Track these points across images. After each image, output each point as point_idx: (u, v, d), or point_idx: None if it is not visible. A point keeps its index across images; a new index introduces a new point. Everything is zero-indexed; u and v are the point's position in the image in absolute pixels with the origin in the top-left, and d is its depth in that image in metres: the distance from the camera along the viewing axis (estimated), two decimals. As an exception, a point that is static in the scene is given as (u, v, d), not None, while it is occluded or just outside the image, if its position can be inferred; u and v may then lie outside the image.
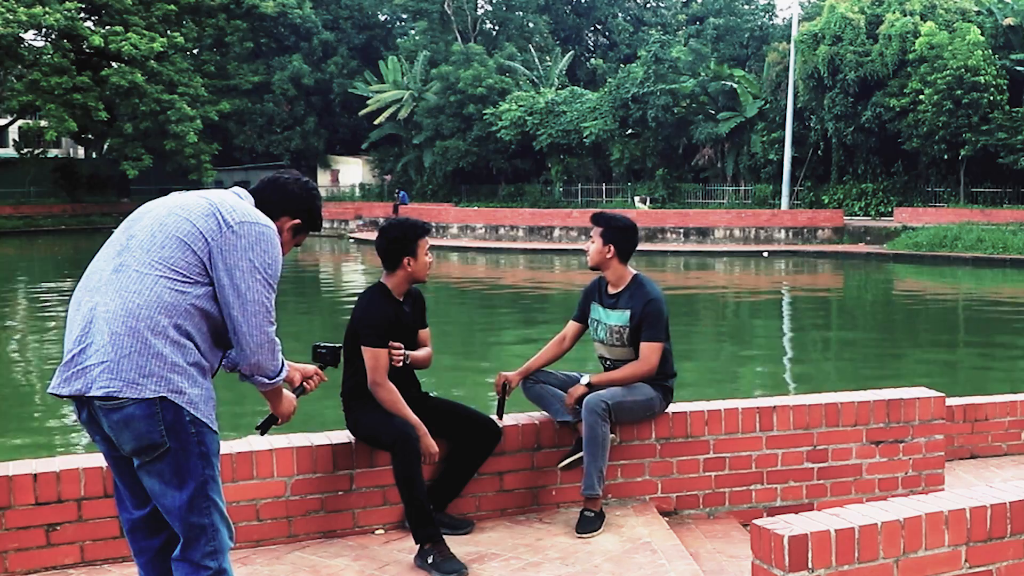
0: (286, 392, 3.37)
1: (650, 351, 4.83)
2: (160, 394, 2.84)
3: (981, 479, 6.06)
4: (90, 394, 2.85)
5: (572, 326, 5.13)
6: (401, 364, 4.53)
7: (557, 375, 5.03)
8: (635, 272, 5.00)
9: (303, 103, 61.72)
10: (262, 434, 3.52)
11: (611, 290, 4.99)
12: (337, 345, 3.89)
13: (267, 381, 3.15)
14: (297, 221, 3.24)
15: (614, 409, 4.68)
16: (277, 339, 3.10)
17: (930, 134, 38.74)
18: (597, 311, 5.02)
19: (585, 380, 4.77)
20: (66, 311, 3.10)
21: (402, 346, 4.55)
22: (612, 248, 4.91)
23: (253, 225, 3.04)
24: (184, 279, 2.93)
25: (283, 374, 3.19)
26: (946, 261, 31.65)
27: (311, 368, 3.66)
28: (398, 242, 4.52)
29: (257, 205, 3.17)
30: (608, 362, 5.00)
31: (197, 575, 2.92)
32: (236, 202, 3.10)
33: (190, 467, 2.88)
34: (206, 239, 2.96)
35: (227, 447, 4.41)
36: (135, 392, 2.83)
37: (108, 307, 2.89)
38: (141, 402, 2.82)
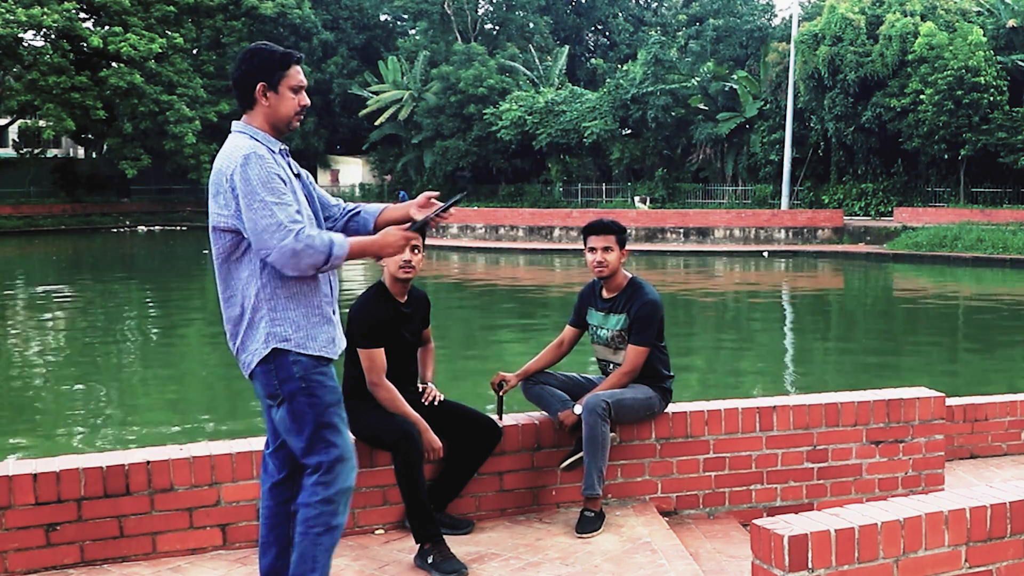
0: (380, 237, 3.46)
1: (635, 354, 4.83)
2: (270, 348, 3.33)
3: (981, 479, 6.05)
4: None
5: (569, 331, 5.12)
6: (436, 402, 4.66)
7: (557, 375, 5.03)
8: (631, 275, 5.00)
9: (303, 103, 61.57)
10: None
11: (606, 294, 4.98)
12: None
13: (333, 261, 3.31)
14: (281, 73, 3.51)
15: (614, 408, 4.68)
16: (299, 240, 3.23)
17: (930, 134, 38.76)
18: (594, 316, 5.01)
19: (578, 410, 4.75)
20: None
21: (435, 393, 4.69)
22: (626, 252, 4.97)
23: (221, 174, 3.43)
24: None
25: (336, 252, 3.30)
26: (946, 261, 31.66)
27: (422, 198, 3.65)
28: None
29: (245, 103, 3.62)
30: (610, 364, 4.99)
31: (310, 499, 3.40)
32: (220, 166, 3.51)
33: (303, 417, 3.34)
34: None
35: (227, 447, 4.42)
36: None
37: None
38: (259, 362, 3.37)
